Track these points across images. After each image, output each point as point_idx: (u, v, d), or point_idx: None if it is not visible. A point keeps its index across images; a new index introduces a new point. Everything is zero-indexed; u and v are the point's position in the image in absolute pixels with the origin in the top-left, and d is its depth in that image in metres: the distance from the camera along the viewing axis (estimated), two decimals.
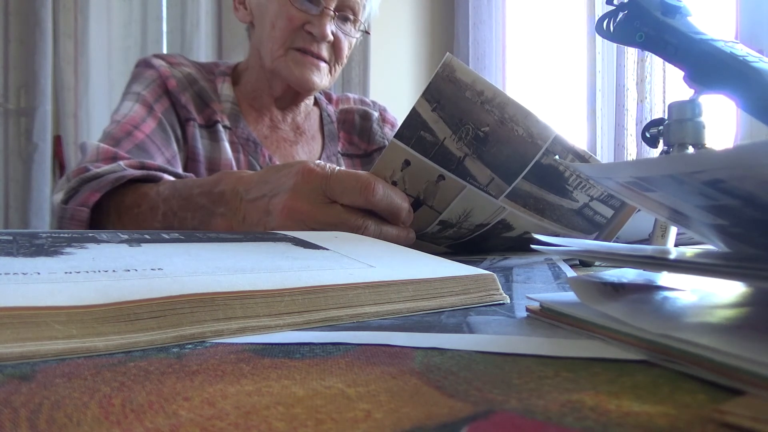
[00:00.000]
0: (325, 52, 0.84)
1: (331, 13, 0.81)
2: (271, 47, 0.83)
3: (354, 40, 0.89)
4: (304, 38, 0.82)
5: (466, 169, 0.51)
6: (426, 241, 0.58)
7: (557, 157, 0.52)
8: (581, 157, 0.53)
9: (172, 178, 0.66)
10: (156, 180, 0.64)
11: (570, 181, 0.54)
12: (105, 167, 0.65)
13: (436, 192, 0.52)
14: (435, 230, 0.55)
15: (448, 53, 0.47)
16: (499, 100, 0.48)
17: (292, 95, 0.91)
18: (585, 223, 0.59)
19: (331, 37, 0.82)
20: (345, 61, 0.88)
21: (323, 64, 0.84)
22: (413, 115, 0.48)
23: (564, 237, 0.62)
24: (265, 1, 0.84)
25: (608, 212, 0.58)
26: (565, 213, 0.57)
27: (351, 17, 0.85)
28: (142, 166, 0.67)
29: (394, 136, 0.49)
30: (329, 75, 0.87)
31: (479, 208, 0.54)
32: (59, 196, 0.64)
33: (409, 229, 0.52)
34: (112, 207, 0.63)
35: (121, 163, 0.66)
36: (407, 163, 0.49)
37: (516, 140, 0.50)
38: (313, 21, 0.81)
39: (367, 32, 0.90)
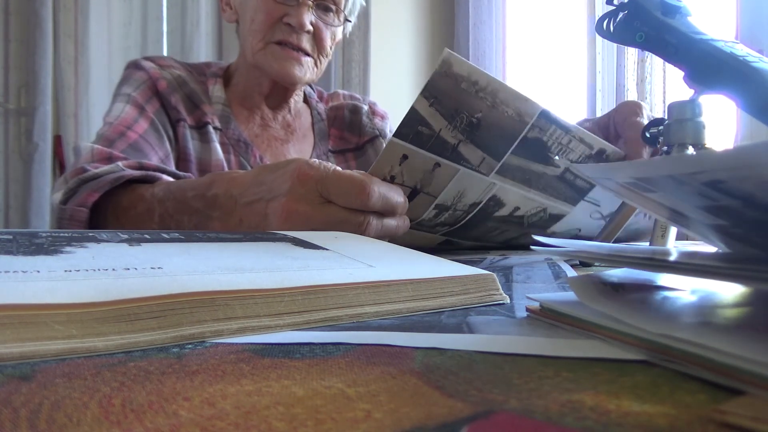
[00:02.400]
0: (306, 43, 0.84)
1: (309, 2, 0.82)
2: (251, 41, 0.84)
3: (338, 31, 0.89)
4: (283, 31, 0.82)
5: (459, 154, 0.52)
6: (423, 230, 0.58)
7: (557, 157, 0.53)
8: (566, 129, 0.55)
9: (170, 179, 0.66)
10: (154, 180, 0.64)
11: (552, 149, 0.56)
12: (103, 167, 0.65)
13: (432, 179, 0.53)
14: (431, 215, 0.56)
15: (446, 49, 0.48)
16: (492, 87, 0.49)
17: (280, 91, 0.91)
18: (568, 189, 0.61)
19: (309, 27, 0.82)
20: (329, 52, 0.88)
21: (305, 57, 0.84)
22: (412, 114, 0.48)
23: (553, 215, 0.63)
24: None
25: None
26: (550, 181, 0.59)
27: (332, 7, 0.86)
28: (141, 167, 0.67)
29: (393, 135, 0.49)
30: (314, 68, 0.87)
31: (472, 187, 0.55)
32: (58, 197, 0.64)
33: (404, 217, 0.52)
34: (110, 208, 0.63)
35: (120, 163, 0.66)
36: (405, 157, 0.50)
37: (506, 120, 0.51)
38: (291, 12, 0.81)
39: (348, 20, 0.90)
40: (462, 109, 0.49)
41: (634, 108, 0.66)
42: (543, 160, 0.56)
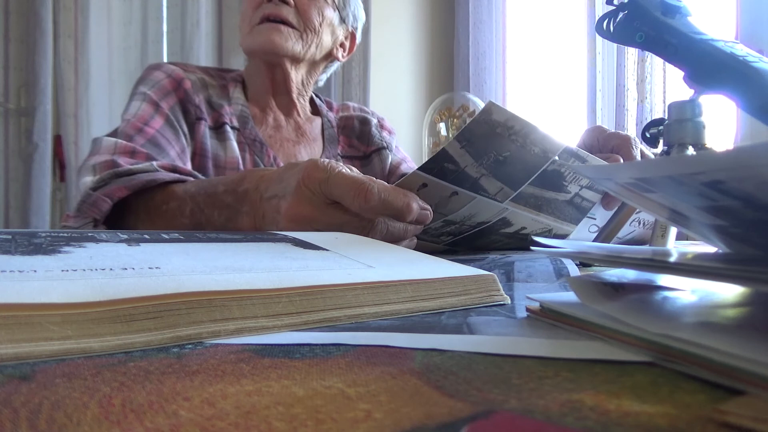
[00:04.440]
0: (288, 15, 0.88)
1: None
2: (242, 31, 0.90)
3: (326, 9, 0.92)
4: (264, 7, 0.88)
5: (479, 186, 0.52)
6: (426, 239, 0.58)
7: (557, 158, 0.53)
8: (583, 159, 0.56)
9: (202, 178, 0.68)
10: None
11: (567, 177, 0.56)
12: (138, 165, 0.67)
13: (448, 204, 0.53)
14: (438, 226, 0.56)
15: (490, 100, 0.48)
16: (525, 130, 0.50)
17: (280, 78, 0.94)
18: (574, 212, 0.62)
19: None
20: (316, 26, 0.91)
21: (286, 28, 0.88)
22: (442, 153, 0.49)
23: (558, 235, 0.64)
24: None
25: (595, 197, 0.61)
26: (559, 205, 0.60)
27: None
28: (174, 169, 0.68)
29: (418, 169, 0.49)
30: (298, 39, 0.90)
31: (485, 211, 0.56)
32: (87, 182, 0.66)
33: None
34: (141, 205, 0.64)
35: (155, 163, 0.68)
36: (424, 185, 0.50)
37: (530, 157, 0.52)
38: None
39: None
40: (491, 149, 0.50)
41: (629, 142, 0.65)
42: (557, 188, 0.57)
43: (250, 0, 0.89)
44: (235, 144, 0.89)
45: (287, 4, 0.87)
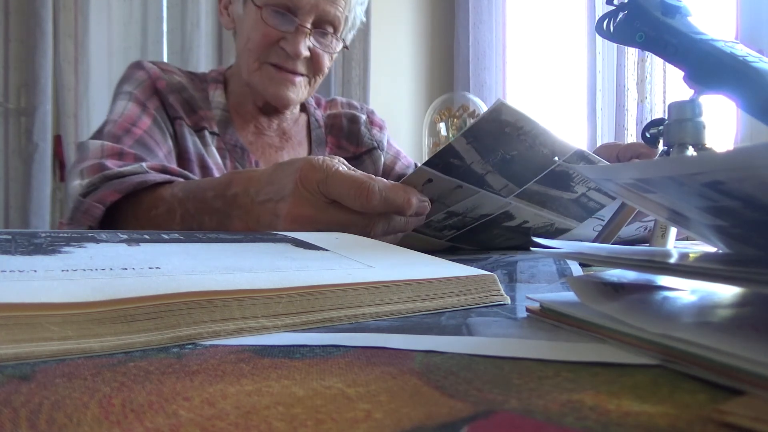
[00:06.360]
0: (301, 67, 0.83)
1: (307, 30, 0.80)
2: (246, 60, 0.83)
3: (337, 46, 0.88)
4: (278, 54, 0.81)
5: (484, 181, 0.52)
6: (429, 234, 0.58)
7: (556, 158, 0.53)
8: (592, 163, 0.56)
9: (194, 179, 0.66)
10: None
11: (575, 178, 0.56)
12: (128, 167, 0.65)
13: (451, 195, 0.53)
14: (441, 218, 0.56)
15: (499, 99, 0.48)
16: (535, 131, 0.49)
17: (273, 107, 0.91)
18: (579, 210, 0.62)
19: (305, 54, 0.81)
20: (326, 72, 0.88)
21: (299, 78, 0.84)
22: (448, 149, 0.48)
23: (560, 229, 0.64)
24: (243, 13, 0.83)
25: (603, 199, 0.60)
26: (564, 203, 0.60)
27: (330, 30, 0.84)
28: (164, 170, 0.67)
29: (424, 164, 0.49)
30: (307, 86, 0.86)
31: (488, 204, 0.56)
32: (77, 187, 0.65)
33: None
34: (130, 209, 0.63)
35: (144, 164, 0.66)
36: (429, 180, 0.50)
37: (539, 157, 0.52)
38: (288, 38, 0.80)
39: (346, 47, 0.89)
40: (499, 148, 0.50)
41: (654, 154, 0.66)
42: (563, 187, 0.57)
43: (263, 32, 0.80)
44: (215, 150, 0.86)
45: (304, 58, 0.81)
